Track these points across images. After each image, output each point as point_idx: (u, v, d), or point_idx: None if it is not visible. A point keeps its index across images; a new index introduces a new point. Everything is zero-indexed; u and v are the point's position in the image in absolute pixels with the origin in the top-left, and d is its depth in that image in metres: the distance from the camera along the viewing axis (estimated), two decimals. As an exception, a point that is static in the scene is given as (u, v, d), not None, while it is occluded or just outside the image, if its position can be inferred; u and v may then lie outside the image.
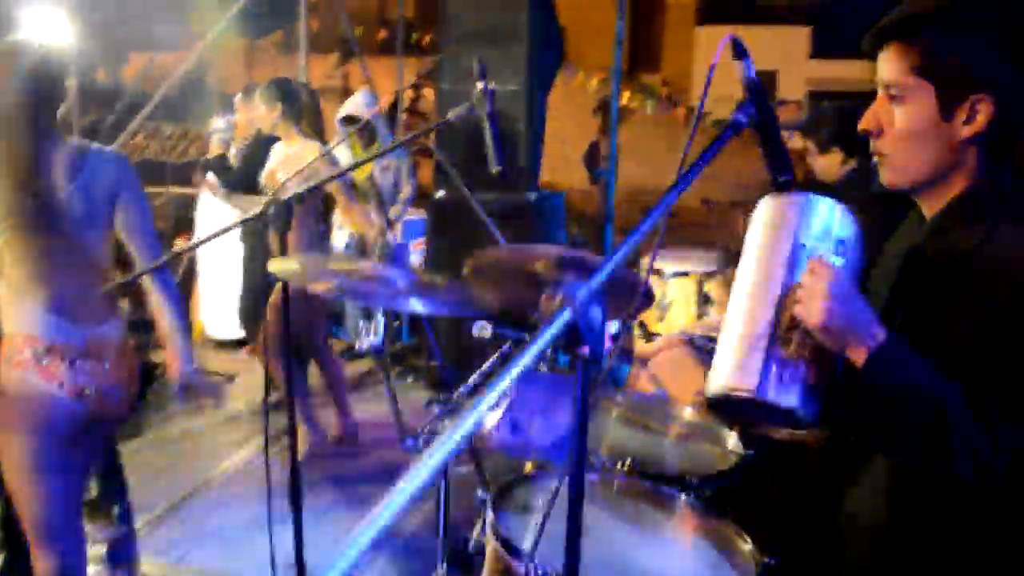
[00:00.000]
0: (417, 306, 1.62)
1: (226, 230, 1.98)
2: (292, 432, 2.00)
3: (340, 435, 4.52)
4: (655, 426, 2.07)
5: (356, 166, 4.27)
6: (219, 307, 6.39)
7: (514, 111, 5.39)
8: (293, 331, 4.04)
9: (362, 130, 6.03)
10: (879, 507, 1.50)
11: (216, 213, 6.00)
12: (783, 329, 1.37)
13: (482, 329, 1.90)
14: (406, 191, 6.00)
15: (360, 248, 6.02)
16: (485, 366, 2.04)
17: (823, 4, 18.61)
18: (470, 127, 5.46)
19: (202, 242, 2.03)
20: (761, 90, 1.41)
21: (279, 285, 3.94)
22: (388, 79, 10.09)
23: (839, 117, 3.74)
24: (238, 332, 6.14)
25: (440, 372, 1.75)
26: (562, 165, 12.21)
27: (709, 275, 4.14)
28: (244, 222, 2.11)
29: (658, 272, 4.23)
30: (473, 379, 1.95)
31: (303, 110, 4.08)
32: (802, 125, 3.88)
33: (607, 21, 6.49)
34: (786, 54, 19.36)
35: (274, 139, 4.29)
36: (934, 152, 1.42)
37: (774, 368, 1.36)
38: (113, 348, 2.41)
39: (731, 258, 4.34)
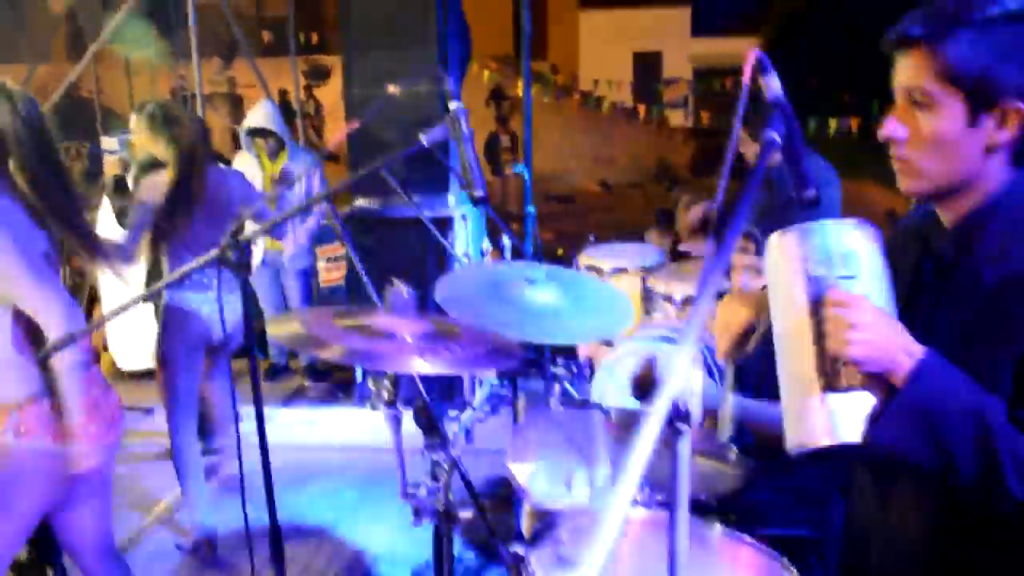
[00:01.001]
0: (439, 366, 1.47)
1: (196, 268, 1.81)
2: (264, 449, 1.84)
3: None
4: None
5: (326, 195, 3.96)
6: (128, 336, 6.05)
7: (430, 113, 5.24)
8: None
9: (267, 141, 5.81)
10: (919, 527, 1.48)
11: (116, 237, 5.65)
12: (828, 366, 1.33)
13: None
14: (322, 206, 5.78)
15: (275, 264, 5.81)
16: (477, 401, 1.92)
17: (701, -17, 19.02)
18: (382, 130, 5.29)
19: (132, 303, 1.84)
20: (787, 108, 1.35)
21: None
22: (276, 81, 9.77)
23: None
24: (150, 362, 5.86)
25: (427, 408, 1.62)
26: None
27: (649, 270, 4.10)
28: (201, 266, 1.94)
29: (597, 270, 4.17)
30: (470, 419, 1.84)
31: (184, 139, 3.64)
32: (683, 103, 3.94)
33: (495, 9, 6.38)
34: (669, 34, 19.71)
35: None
36: (960, 160, 1.38)
37: (835, 410, 1.33)
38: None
39: (671, 251, 4.33)
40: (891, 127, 1.42)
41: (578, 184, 16.80)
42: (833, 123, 9.49)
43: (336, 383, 5.88)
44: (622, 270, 4.14)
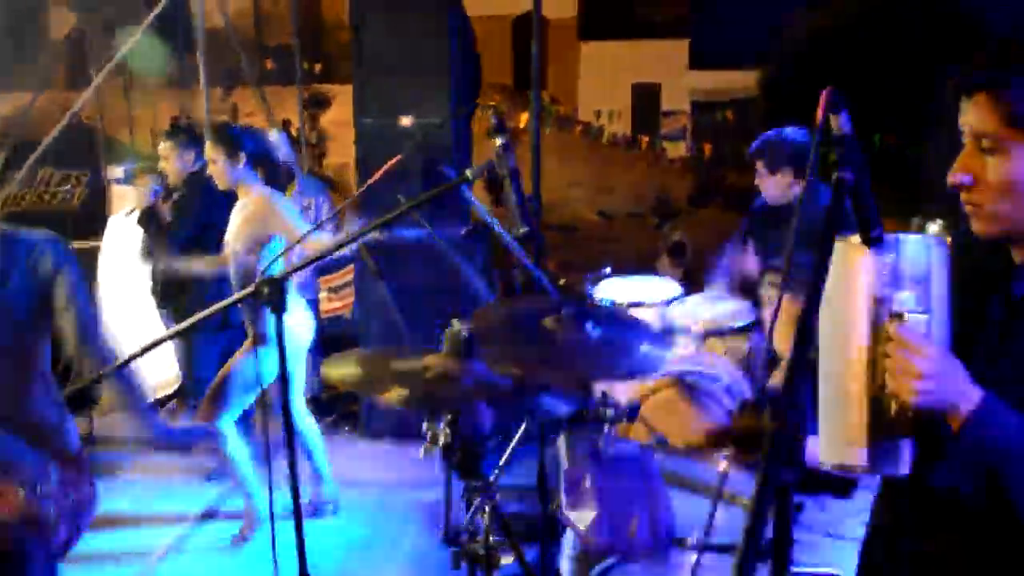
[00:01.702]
0: (503, 409, 1.42)
1: (223, 306, 1.77)
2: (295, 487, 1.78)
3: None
4: (700, 487, 1.95)
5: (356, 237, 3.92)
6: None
7: (441, 144, 5.22)
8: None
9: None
10: (964, 562, 1.44)
11: (120, 268, 5.62)
12: (883, 399, 1.32)
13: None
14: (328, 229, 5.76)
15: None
16: (515, 440, 1.88)
17: (699, 17, 19.16)
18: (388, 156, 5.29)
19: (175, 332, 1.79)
20: (856, 145, 1.32)
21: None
22: (278, 110, 9.78)
23: (786, 140, 3.81)
24: (151, 395, 5.81)
25: (473, 451, 1.56)
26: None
27: (667, 303, 4.06)
28: (235, 302, 1.90)
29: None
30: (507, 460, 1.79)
31: (255, 157, 3.82)
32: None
33: (494, 40, 6.38)
34: (668, 67, 19.85)
35: (209, 183, 3.98)
36: None
37: (881, 439, 1.33)
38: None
39: (691, 285, 4.29)
40: (961, 171, 1.41)
41: (578, 214, 16.83)
42: (834, 156, 9.48)
43: (343, 415, 5.81)
44: (639, 303, 4.09)
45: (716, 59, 18.20)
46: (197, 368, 4.90)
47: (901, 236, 1.38)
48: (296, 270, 1.80)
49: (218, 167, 3.76)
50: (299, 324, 3.86)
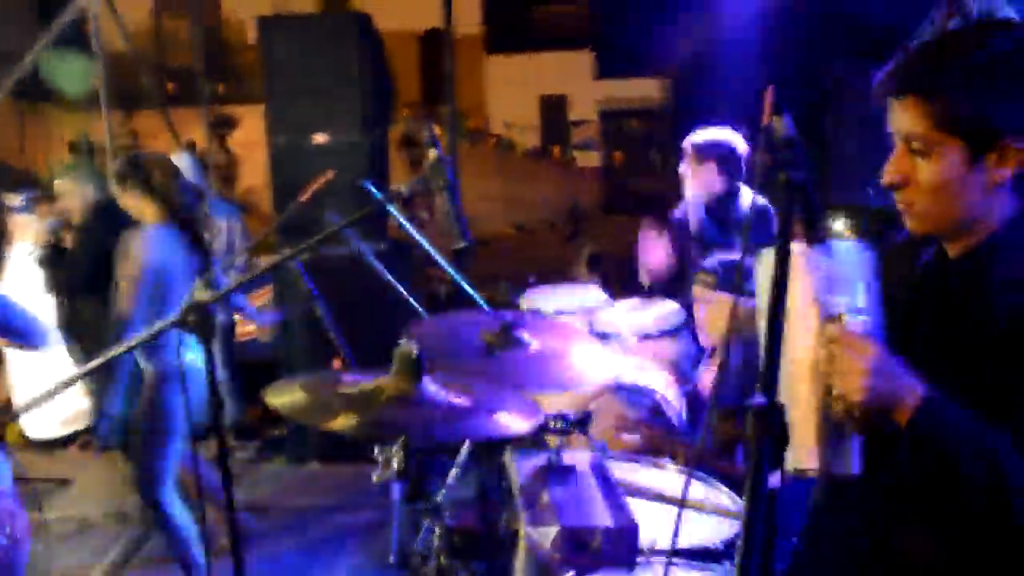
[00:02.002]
0: (463, 433, 1.36)
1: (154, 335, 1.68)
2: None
3: None
4: (651, 493, 1.93)
5: (297, 253, 3.77)
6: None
7: (356, 163, 5.15)
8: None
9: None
10: (935, 546, 1.46)
11: (23, 301, 5.35)
12: (825, 394, 1.34)
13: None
14: (240, 255, 5.62)
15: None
16: (460, 458, 1.84)
17: (602, 28, 19.42)
18: (307, 180, 5.18)
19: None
20: (802, 146, 1.33)
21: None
22: (182, 132, 9.50)
23: (719, 138, 3.97)
24: (61, 429, 5.58)
25: (421, 474, 1.52)
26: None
27: (591, 311, 4.07)
28: (157, 332, 1.81)
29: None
30: (451, 478, 1.74)
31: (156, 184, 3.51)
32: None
33: (401, 56, 6.33)
34: (573, 77, 20.04)
35: (112, 211, 3.81)
36: (963, 201, 1.40)
37: (830, 440, 1.35)
38: None
39: (614, 290, 4.32)
40: (892, 175, 1.44)
41: (491, 227, 16.81)
42: (743, 160, 9.74)
43: (266, 441, 5.67)
44: (566, 312, 4.09)
45: (620, 68, 18.46)
46: (109, 403, 4.72)
47: (833, 242, 1.40)
48: (222, 295, 1.72)
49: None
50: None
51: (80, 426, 5.56)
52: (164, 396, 3.46)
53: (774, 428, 0.86)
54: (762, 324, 1.34)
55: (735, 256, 2.85)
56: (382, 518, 4.55)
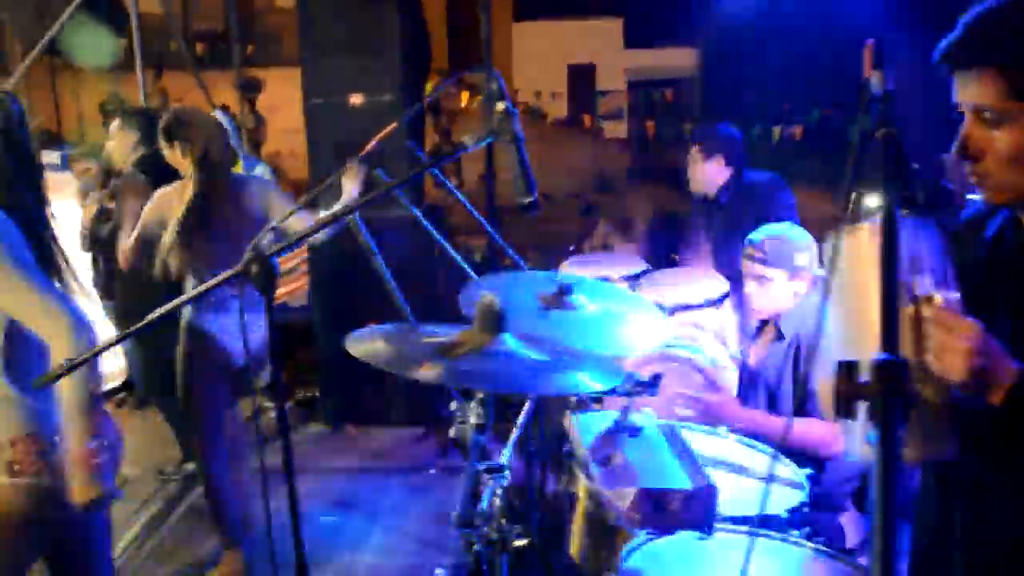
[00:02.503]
0: (552, 388, 1.32)
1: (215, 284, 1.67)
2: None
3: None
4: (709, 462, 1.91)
5: (346, 212, 3.70)
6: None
7: (391, 122, 5.09)
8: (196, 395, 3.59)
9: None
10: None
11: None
12: (917, 381, 1.28)
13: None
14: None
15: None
16: (521, 420, 1.80)
17: (632, -4, 19.21)
18: (342, 140, 5.12)
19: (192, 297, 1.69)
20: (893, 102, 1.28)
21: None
22: (213, 94, 9.49)
23: (723, 132, 4.24)
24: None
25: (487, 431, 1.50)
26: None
27: (634, 278, 4.04)
28: (222, 280, 1.79)
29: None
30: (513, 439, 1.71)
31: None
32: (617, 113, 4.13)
33: (429, 22, 6.23)
34: (602, 46, 19.84)
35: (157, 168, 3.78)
36: None
37: (926, 424, 1.29)
38: None
39: (652, 259, 4.29)
40: (966, 144, 1.40)
41: (512, 195, 16.69)
42: (776, 131, 9.64)
43: (298, 403, 5.69)
44: (606, 279, 4.06)
45: (651, 38, 18.27)
46: (147, 361, 4.74)
47: (907, 219, 1.35)
48: (283, 249, 1.70)
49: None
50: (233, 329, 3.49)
51: (117, 383, 5.61)
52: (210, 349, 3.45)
53: (902, 385, 0.82)
54: (847, 298, 1.30)
55: (778, 228, 2.81)
56: (416, 480, 4.58)
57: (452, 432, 1.57)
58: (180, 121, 3.41)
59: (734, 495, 1.83)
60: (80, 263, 4.97)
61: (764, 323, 2.95)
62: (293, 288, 7.19)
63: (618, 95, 19.55)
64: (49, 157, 5.54)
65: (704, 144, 4.20)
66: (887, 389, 0.79)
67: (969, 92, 1.38)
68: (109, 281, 5.14)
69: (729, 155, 4.16)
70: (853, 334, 1.32)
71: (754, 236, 2.84)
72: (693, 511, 1.41)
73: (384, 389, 5.21)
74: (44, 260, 2.18)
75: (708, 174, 4.19)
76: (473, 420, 1.51)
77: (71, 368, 1.88)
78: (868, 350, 1.27)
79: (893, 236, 0.99)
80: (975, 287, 1.44)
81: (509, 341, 1.44)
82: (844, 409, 0.84)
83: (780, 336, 2.72)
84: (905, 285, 1.32)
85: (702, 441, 2.09)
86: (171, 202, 3.40)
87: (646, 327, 2.11)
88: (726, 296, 3.69)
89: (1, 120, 2.14)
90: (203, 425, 3.52)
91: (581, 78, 20.24)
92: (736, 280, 3.33)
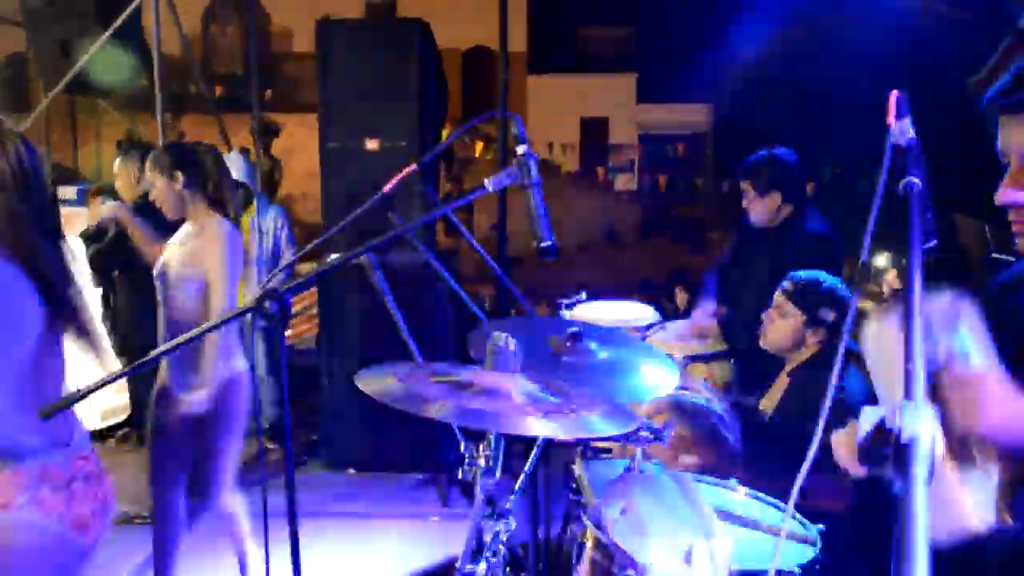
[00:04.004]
0: (561, 430, 1.30)
1: (225, 322, 1.66)
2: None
3: None
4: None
5: (359, 253, 3.73)
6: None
7: (404, 166, 5.12)
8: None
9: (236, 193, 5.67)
10: None
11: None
12: (956, 444, 1.27)
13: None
14: (287, 258, 5.65)
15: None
16: (529, 466, 1.77)
17: (646, 53, 19.43)
18: (356, 186, 5.16)
19: (212, 328, 1.68)
20: (921, 152, 1.28)
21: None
22: (233, 137, 9.60)
23: (776, 162, 3.81)
24: (100, 422, 5.61)
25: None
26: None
27: (644, 328, 4.02)
28: (236, 315, 1.79)
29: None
30: (518, 485, 1.68)
31: (208, 177, 3.26)
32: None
33: (446, 73, 6.29)
34: (615, 100, 20.05)
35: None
36: None
37: (971, 491, 1.26)
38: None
39: (666, 309, 4.27)
40: (1011, 192, 1.39)
41: (526, 246, 16.77)
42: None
43: (299, 444, 5.65)
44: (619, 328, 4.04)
45: (664, 93, 18.45)
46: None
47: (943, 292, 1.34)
48: (297, 288, 1.69)
49: (156, 189, 3.28)
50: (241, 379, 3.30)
51: (118, 419, 5.58)
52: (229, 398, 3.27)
53: (925, 430, 0.80)
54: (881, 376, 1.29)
55: (824, 276, 2.82)
56: (417, 527, 4.52)
57: (460, 475, 1.55)
58: (182, 156, 3.29)
59: (743, 549, 1.79)
60: (91, 298, 5.01)
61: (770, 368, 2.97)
62: (301, 331, 7.18)
63: (630, 148, 19.70)
64: (65, 192, 5.59)
65: (755, 181, 3.82)
66: (910, 435, 0.78)
67: (1017, 138, 1.38)
68: (118, 316, 5.18)
69: (786, 191, 3.77)
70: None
71: (799, 272, 2.88)
72: (710, 564, 1.38)
73: (386, 434, 5.18)
74: (59, 312, 2.12)
75: (765, 212, 3.82)
76: (482, 463, 1.48)
77: (80, 398, 1.86)
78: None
79: (914, 286, 0.98)
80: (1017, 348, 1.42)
81: (522, 382, 1.42)
82: (869, 458, 0.82)
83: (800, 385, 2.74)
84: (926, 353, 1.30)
85: (711, 493, 2.06)
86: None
87: (656, 375, 2.09)
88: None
89: (15, 163, 2.05)
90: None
91: (593, 131, 20.42)
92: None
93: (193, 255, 3.21)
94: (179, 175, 3.24)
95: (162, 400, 3.30)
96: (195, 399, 3.13)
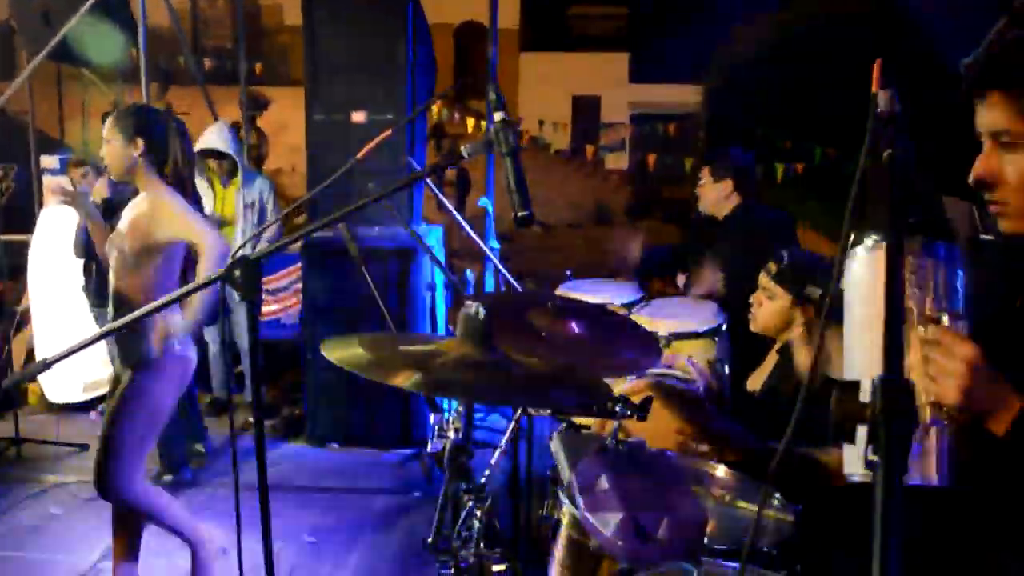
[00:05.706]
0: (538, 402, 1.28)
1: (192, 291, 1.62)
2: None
3: None
4: (697, 490, 1.85)
5: (335, 219, 3.69)
6: (59, 368, 5.69)
7: (395, 144, 5.08)
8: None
9: (221, 165, 5.63)
10: None
11: (52, 262, 5.35)
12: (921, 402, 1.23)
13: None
14: (273, 229, 5.59)
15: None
16: (504, 439, 1.76)
17: (639, 32, 19.37)
18: (342, 159, 5.12)
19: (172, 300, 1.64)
20: (905, 124, 1.25)
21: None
22: (218, 111, 9.51)
23: (735, 155, 4.23)
24: (82, 394, 5.59)
25: (468, 449, 1.45)
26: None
27: (629, 306, 3.99)
28: (204, 284, 1.75)
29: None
30: (497, 459, 1.65)
31: (168, 156, 3.12)
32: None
33: (436, 49, 6.23)
34: (608, 79, 19.99)
35: None
36: None
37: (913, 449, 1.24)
38: None
39: (646, 289, 4.26)
40: (983, 171, 1.36)
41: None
42: (780, 169, 9.64)
43: (285, 420, 5.62)
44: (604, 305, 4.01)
45: (655, 73, 18.41)
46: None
47: (924, 240, 1.32)
48: (268, 253, 1.65)
49: (111, 148, 3.11)
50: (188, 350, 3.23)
51: (102, 392, 5.54)
52: (142, 384, 3.13)
53: (904, 406, 0.78)
54: (856, 315, 1.25)
55: (807, 255, 2.80)
56: (399, 503, 4.51)
57: (429, 447, 1.52)
58: (153, 122, 3.16)
59: (722, 526, 1.77)
60: (73, 269, 4.95)
61: (765, 347, 2.94)
62: (287, 305, 7.12)
63: (621, 127, 19.66)
64: (47, 162, 5.52)
65: (714, 166, 4.19)
66: (888, 411, 0.75)
67: (985, 117, 1.36)
68: (101, 288, 5.10)
69: (738, 180, 4.13)
70: (858, 357, 1.28)
71: (783, 253, 2.85)
72: (681, 540, 1.36)
73: (371, 410, 5.16)
74: None
75: (715, 197, 4.18)
76: (451, 435, 1.45)
77: (42, 370, 1.82)
78: (872, 372, 1.24)
79: (897, 257, 0.95)
80: (993, 316, 1.41)
81: (494, 352, 1.38)
82: (844, 432, 0.80)
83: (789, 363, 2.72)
84: (918, 305, 1.28)
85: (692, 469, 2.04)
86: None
87: (638, 352, 2.07)
88: (722, 325, 3.65)
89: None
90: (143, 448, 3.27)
91: (585, 109, 20.37)
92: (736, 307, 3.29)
93: (140, 224, 3.09)
94: (139, 141, 3.09)
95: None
96: (128, 376, 3.09)
